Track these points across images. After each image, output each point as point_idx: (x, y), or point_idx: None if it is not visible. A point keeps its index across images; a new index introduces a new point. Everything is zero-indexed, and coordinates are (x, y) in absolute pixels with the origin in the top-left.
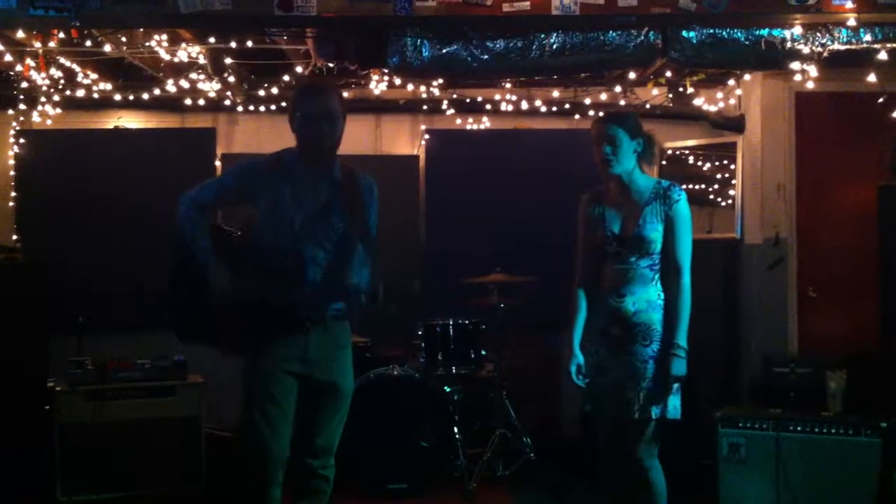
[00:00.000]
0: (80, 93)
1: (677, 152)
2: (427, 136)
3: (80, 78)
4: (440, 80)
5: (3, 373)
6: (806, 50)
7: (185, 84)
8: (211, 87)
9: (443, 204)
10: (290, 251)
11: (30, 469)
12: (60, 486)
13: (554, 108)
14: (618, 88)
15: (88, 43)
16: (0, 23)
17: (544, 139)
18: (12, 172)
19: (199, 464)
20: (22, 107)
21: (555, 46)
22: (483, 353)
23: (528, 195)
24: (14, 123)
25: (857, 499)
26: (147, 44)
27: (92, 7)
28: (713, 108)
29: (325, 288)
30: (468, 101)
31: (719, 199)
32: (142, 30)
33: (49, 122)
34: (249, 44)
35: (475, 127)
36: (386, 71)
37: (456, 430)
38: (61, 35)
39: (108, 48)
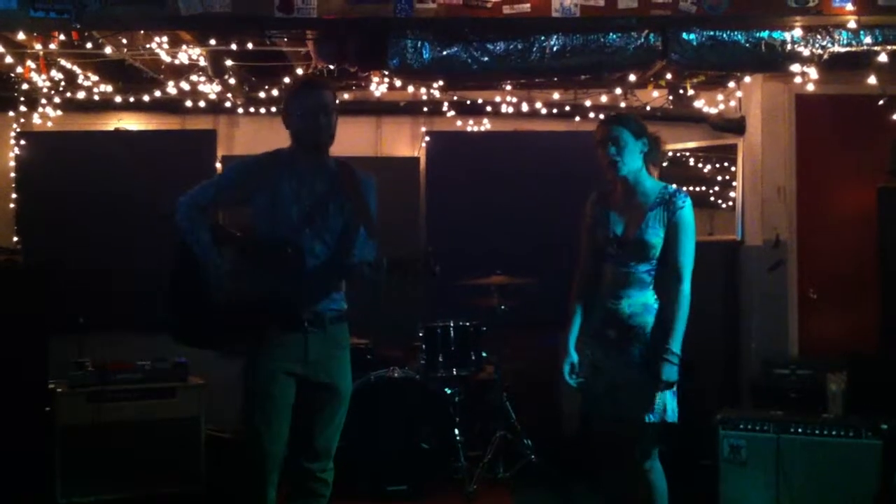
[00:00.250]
0: (81, 95)
1: (678, 154)
2: (427, 138)
3: (80, 80)
4: (441, 82)
5: (3, 374)
6: (806, 52)
7: (185, 86)
8: (211, 89)
9: (443, 205)
10: (290, 245)
11: (30, 470)
12: (60, 487)
13: (554, 110)
14: (618, 90)
15: (89, 45)
16: (0, 24)
17: (545, 141)
18: (13, 174)
19: (199, 465)
20: (22, 109)
21: (555, 48)
22: (483, 354)
23: (528, 197)
24: (15, 125)
25: (857, 501)
26: (147, 46)
27: (92, 9)
28: (713, 111)
29: (325, 280)
30: (468, 102)
31: (720, 201)
32: (142, 32)
33: (50, 123)
34: (250, 46)
35: (476, 129)
36: (386, 73)
37: (456, 431)
38: (62, 37)
39: (108, 50)
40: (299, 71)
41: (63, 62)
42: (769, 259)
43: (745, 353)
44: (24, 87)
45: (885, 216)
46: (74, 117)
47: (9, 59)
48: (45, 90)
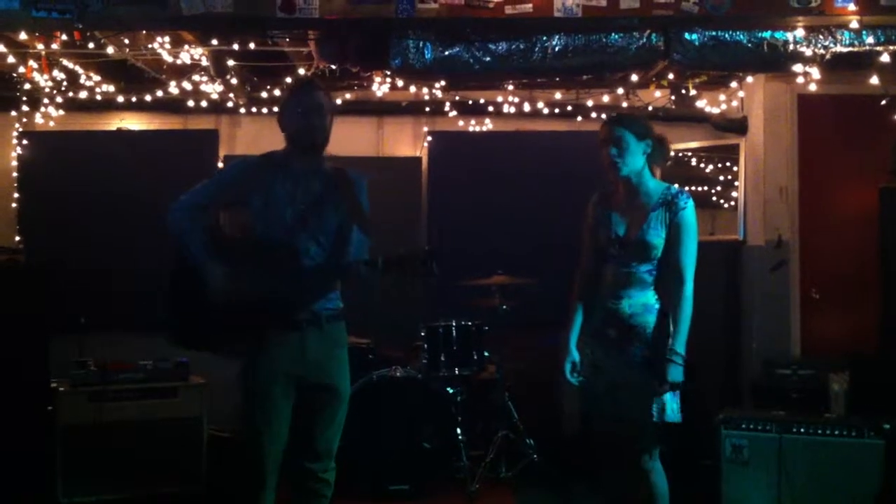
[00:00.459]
0: (83, 95)
1: (680, 154)
2: (429, 138)
3: (82, 80)
4: (442, 82)
5: (4, 373)
6: (808, 52)
7: (187, 86)
8: (213, 89)
9: (445, 205)
10: (284, 246)
11: (31, 469)
12: (62, 486)
13: (556, 110)
14: (620, 90)
15: (91, 45)
16: (3, 25)
17: (546, 141)
18: (15, 174)
19: (201, 465)
20: (25, 108)
21: (557, 48)
22: (485, 354)
23: (530, 197)
24: (17, 125)
25: (859, 500)
26: (149, 46)
27: (94, 9)
28: (715, 110)
29: (320, 280)
30: (470, 102)
31: (722, 201)
32: (144, 32)
33: (52, 123)
34: (252, 46)
35: (477, 129)
36: (388, 73)
37: (458, 431)
38: (64, 37)
39: (110, 50)
40: (301, 71)
41: (65, 62)
42: (771, 259)
43: (747, 352)
44: (27, 86)
45: (887, 216)
46: (76, 117)
47: (11, 59)
48: (47, 90)
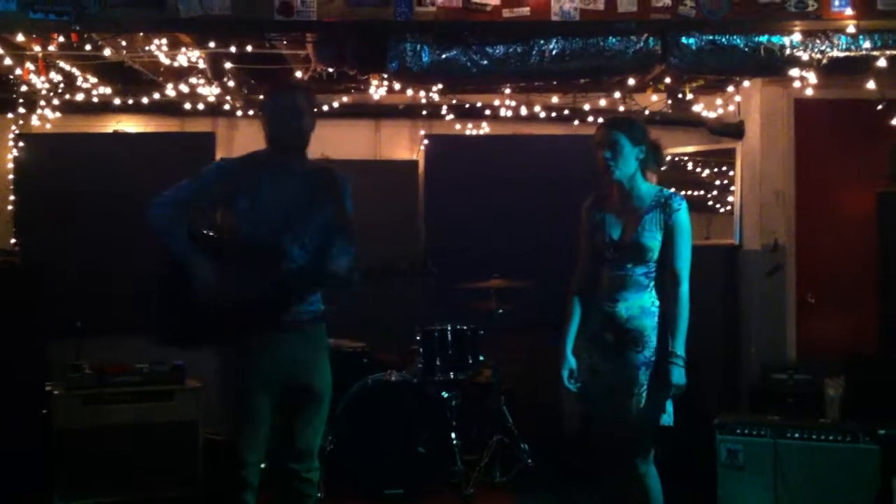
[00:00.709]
0: (80, 97)
1: (676, 158)
2: (426, 142)
3: (79, 82)
4: (439, 86)
5: (0, 376)
6: (805, 57)
7: (184, 88)
8: (210, 92)
9: (442, 209)
10: (268, 247)
11: (27, 473)
12: (57, 490)
13: (553, 114)
14: (617, 94)
15: (88, 47)
16: (0, 27)
17: (543, 145)
18: (11, 176)
19: (197, 468)
20: (21, 110)
21: (554, 52)
22: (481, 358)
23: (527, 200)
24: (13, 127)
25: None
26: (147, 48)
27: (91, 11)
28: (712, 115)
29: (303, 283)
30: (467, 106)
31: (718, 206)
32: (141, 34)
33: (48, 125)
34: (249, 48)
35: (474, 132)
36: (385, 76)
37: (453, 435)
38: (61, 39)
39: (107, 52)
40: (298, 74)
41: (62, 64)
42: (767, 263)
43: (744, 357)
44: (23, 88)
45: (884, 221)
46: (73, 119)
47: (8, 61)
48: (44, 92)
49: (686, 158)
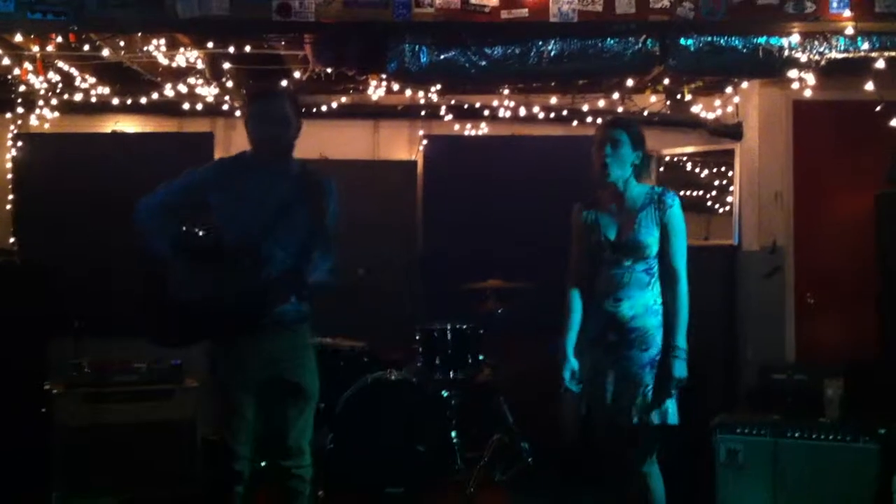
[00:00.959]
0: (78, 97)
1: (675, 159)
2: (425, 142)
3: (78, 82)
4: (438, 86)
5: (0, 374)
6: (804, 58)
7: (183, 89)
8: (209, 92)
9: (441, 209)
10: (250, 248)
11: (27, 470)
12: (58, 488)
13: (552, 115)
14: (616, 95)
15: (87, 47)
16: None
17: (542, 145)
18: (10, 175)
19: (195, 467)
20: (20, 110)
21: (553, 53)
22: (481, 357)
23: (525, 201)
24: (12, 127)
25: None
26: (145, 48)
27: (90, 11)
28: (711, 116)
29: (284, 284)
30: (466, 106)
31: (717, 206)
32: (140, 34)
33: (47, 125)
34: (248, 49)
35: (473, 133)
36: (384, 77)
37: (453, 434)
38: (59, 39)
39: (106, 52)
40: (297, 74)
41: (60, 64)
42: (766, 264)
43: (743, 357)
44: (22, 88)
45: (883, 222)
46: (72, 119)
47: (6, 61)
48: (42, 92)
49: (685, 159)
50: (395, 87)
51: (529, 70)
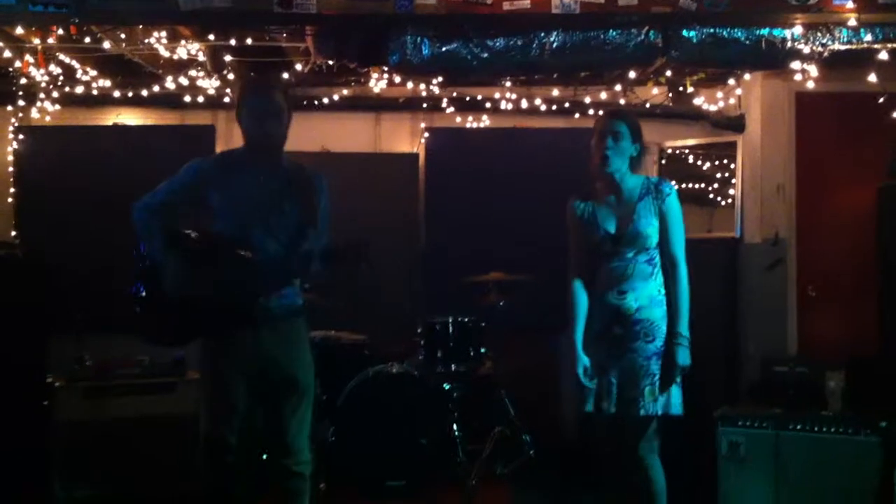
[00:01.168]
0: (80, 89)
1: (677, 151)
2: (427, 135)
3: (79, 75)
4: (440, 78)
5: (2, 368)
6: (806, 50)
7: (184, 81)
8: (210, 85)
9: (442, 202)
10: (242, 242)
11: (29, 465)
12: (59, 481)
13: (554, 107)
14: (618, 87)
15: (88, 39)
16: None
17: (544, 138)
18: (11, 168)
19: (197, 460)
20: (21, 103)
21: (555, 45)
22: (482, 350)
23: (527, 193)
24: (13, 119)
25: (856, 498)
26: (146, 41)
27: (91, 3)
28: (713, 108)
29: (276, 277)
30: (468, 99)
31: (719, 199)
32: (141, 27)
33: (48, 118)
34: (249, 41)
35: (475, 125)
36: (386, 69)
37: (455, 427)
38: (60, 31)
39: (107, 45)
40: (298, 67)
41: (62, 57)
42: (768, 257)
43: (744, 350)
44: (23, 81)
45: (884, 215)
46: (73, 112)
47: (7, 54)
48: (43, 85)
49: (687, 152)
50: (397, 79)
51: (531, 62)
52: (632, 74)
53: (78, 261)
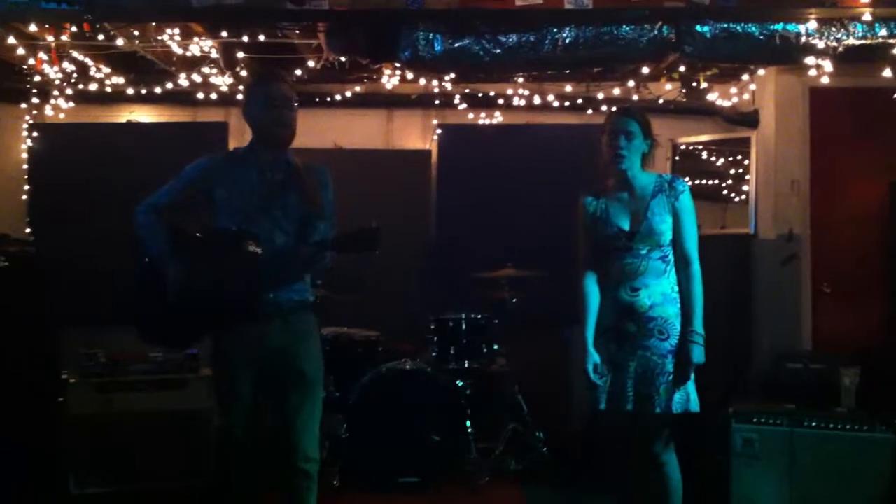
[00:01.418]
0: (93, 87)
1: (690, 147)
2: (439, 131)
3: (92, 72)
4: (452, 75)
5: (15, 364)
6: (821, 45)
7: (197, 78)
8: (223, 82)
9: (454, 198)
10: (248, 236)
11: (44, 461)
12: (73, 477)
13: (566, 103)
14: (631, 83)
15: (101, 37)
16: (13, 16)
17: (556, 134)
18: (25, 166)
19: (210, 457)
20: (35, 100)
21: (567, 41)
22: (495, 347)
23: (539, 190)
24: (27, 117)
25: (870, 494)
26: (159, 38)
27: (104, 0)
28: (727, 103)
29: (283, 270)
30: (480, 95)
31: (732, 195)
32: (154, 24)
33: (62, 115)
34: (261, 38)
35: (487, 121)
36: (398, 65)
37: (467, 424)
38: (73, 29)
39: (120, 42)
40: (311, 63)
41: (75, 54)
42: (782, 253)
43: (758, 346)
44: (37, 78)
45: None
46: (86, 109)
47: (21, 51)
48: (56, 82)
49: (700, 147)
50: (409, 75)
51: (544, 58)
52: (644, 70)
53: (90, 257)
